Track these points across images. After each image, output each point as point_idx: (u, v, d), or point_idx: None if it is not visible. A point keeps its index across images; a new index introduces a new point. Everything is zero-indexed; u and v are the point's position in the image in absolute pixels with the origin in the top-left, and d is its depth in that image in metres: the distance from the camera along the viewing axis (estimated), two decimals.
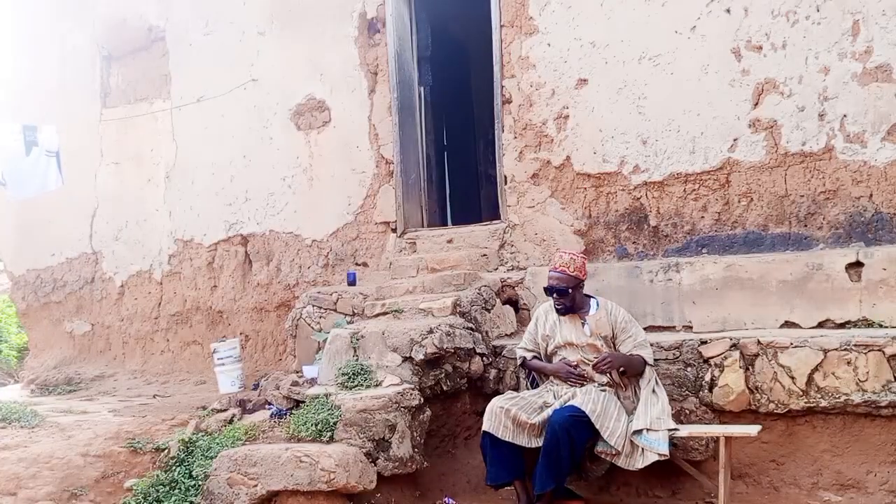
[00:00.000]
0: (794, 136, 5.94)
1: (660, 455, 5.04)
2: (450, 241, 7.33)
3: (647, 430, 5.08)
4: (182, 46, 8.85)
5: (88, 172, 9.39)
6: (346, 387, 5.60)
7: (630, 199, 6.53)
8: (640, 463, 5.07)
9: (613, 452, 5.03)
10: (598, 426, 4.98)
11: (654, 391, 5.27)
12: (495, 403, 5.24)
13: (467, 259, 6.92)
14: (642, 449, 5.05)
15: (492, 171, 8.28)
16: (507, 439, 5.12)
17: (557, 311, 5.44)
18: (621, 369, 5.24)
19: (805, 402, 5.24)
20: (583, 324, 5.40)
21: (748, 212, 6.13)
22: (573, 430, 4.94)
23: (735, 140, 6.13)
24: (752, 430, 5.13)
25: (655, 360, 5.48)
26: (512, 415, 5.14)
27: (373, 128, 7.76)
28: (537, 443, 5.10)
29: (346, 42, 7.87)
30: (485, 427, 5.20)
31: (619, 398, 5.23)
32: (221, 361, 7.57)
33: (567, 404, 5.07)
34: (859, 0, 5.73)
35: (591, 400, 5.07)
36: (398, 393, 5.40)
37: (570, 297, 5.37)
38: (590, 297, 5.54)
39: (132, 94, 9.37)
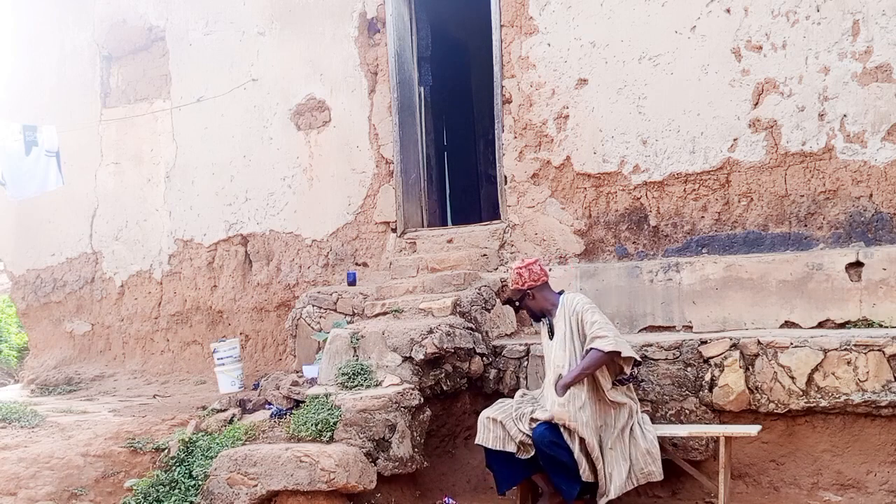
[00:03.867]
0: (794, 136, 5.94)
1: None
2: (450, 241, 7.32)
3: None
4: (182, 46, 8.85)
5: (88, 172, 9.38)
6: (346, 387, 5.61)
7: (630, 199, 6.53)
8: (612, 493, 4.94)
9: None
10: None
11: (631, 429, 5.04)
12: (483, 415, 5.22)
13: (467, 259, 6.91)
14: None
15: (492, 171, 8.28)
16: (498, 448, 5.10)
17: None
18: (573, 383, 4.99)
19: (805, 402, 5.24)
20: (550, 328, 5.28)
21: (748, 212, 6.13)
22: (557, 441, 4.91)
23: (735, 140, 6.13)
24: (752, 429, 5.13)
25: (655, 359, 5.47)
26: (499, 422, 5.12)
27: (373, 128, 7.75)
28: (527, 454, 5.04)
29: (346, 42, 7.87)
30: (477, 440, 5.21)
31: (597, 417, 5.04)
32: (221, 361, 7.58)
33: (538, 421, 4.98)
34: (859, 0, 5.73)
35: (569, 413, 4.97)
36: (398, 393, 5.40)
37: (523, 307, 5.39)
38: (561, 294, 5.30)
39: (132, 94, 9.37)
